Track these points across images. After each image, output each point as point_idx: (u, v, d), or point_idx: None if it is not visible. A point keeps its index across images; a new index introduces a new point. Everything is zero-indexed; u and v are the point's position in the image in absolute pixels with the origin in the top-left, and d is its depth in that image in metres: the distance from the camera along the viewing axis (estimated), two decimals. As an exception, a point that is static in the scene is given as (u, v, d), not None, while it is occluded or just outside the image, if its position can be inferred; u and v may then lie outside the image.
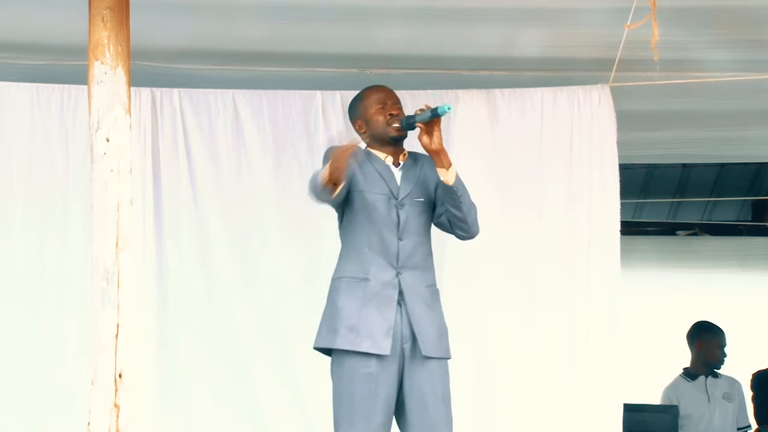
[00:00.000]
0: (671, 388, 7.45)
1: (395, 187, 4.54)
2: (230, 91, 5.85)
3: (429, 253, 4.60)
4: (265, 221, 5.81)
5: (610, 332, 5.76)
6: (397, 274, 4.49)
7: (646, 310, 9.73)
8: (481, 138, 5.86)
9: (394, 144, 4.59)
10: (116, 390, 3.84)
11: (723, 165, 9.62)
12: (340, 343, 4.45)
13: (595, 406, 5.73)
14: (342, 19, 5.42)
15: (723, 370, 7.51)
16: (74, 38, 4.86)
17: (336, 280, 4.56)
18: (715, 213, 10.60)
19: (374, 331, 4.43)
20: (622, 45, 5.42)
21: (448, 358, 4.55)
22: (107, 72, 3.95)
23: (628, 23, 4.95)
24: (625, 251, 5.92)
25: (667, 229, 10.72)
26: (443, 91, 5.84)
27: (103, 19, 3.96)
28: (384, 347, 4.42)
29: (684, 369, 7.51)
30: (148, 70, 5.57)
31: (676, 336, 8.05)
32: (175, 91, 5.82)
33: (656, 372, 8.04)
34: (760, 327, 9.70)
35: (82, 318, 5.11)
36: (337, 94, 5.85)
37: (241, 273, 5.78)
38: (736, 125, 6.79)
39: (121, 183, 3.92)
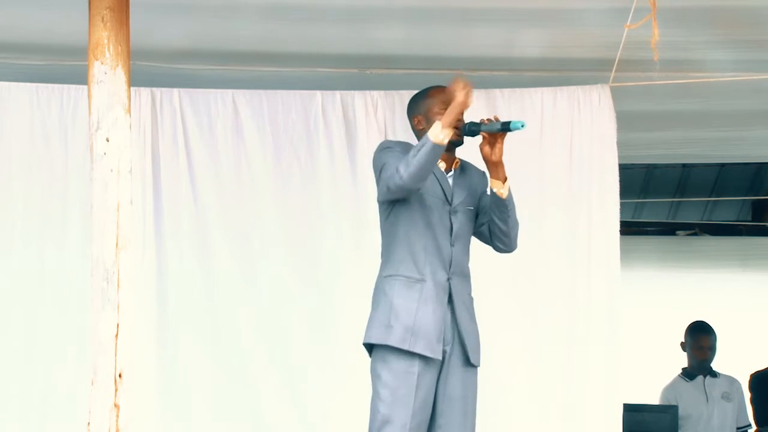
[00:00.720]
0: (670, 388, 7.46)
1: (449, 192, 4.54)
2: (230, 91, 5.85)
3: (468, 262, 4.63)
4: (265, 221, 5.81)
5: (609, 332, 5.76)
6: (449, 279, 4.51)
7: (646, 311, 9.73)
8: (480, 137, 5.85)
9: (449, 149, 4.53)
10: (116, 390, 3.84)
11: (723, 165, 9.62)
12: (396, 341, 4.43)
13: (595, 405, 5.73)
14: (342, 20, 5.42)
15: (722, 370, 7.51)
16: (74, 38, 4.86)
17: (389, 278, 4.52)
18: (715, 213, 10.60)
19: (430, 333, 4.44)
20: (622, 45, 5.42)
21: (478, 366, 4.61)
22: (107, 72, 3.95)
23: (628, 23, 4.95)
24: (625, 251, 5.92)
25: (667, 229, 10.72)
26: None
27: (103, 19, 3.96)
28: (437, 351, 4.45)
29: (683, 369, 7.51)
30: (148, 70, 5.57)
31: (676, 336, 8.05)
32: (175, 91, 5.82)
33: (656, 372, 8.04)
34: (760, 327, 9.70)
35: (82, 318, 5.11)
36: (337, 94, 5.85)
37: (241, 273, 5.77)
38: (736, 125, 6.79)
39: (121, 183, 3.91)
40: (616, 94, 5.84)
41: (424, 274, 4.48)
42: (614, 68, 5.68)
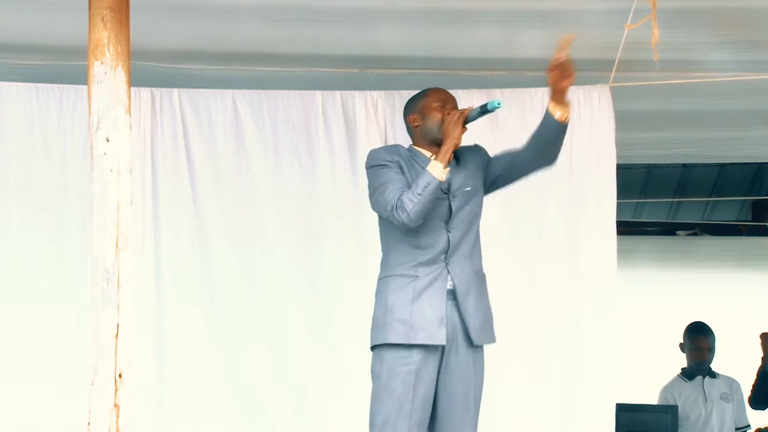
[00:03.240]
0: (669, 389, 7.46)
1: (444, 183, 4.54)
2: (230, 91, 5.85)
3: (477, 239, 4.63)
4: (265, 221, 5.81)
5: (605, 332, 5.76)
6: (447, 264, 4.51)
7: (646, 311, 9.73)
8: (480, 138, 5.84)
9: (441, 144, 4.57)
10: (116, 390, 3.84)
11: (723, 165, 9.62)
12: (394, 337, 4.44)
13: (588, 405, 5.73)
14: (342, 20, 5.42)
15: (722, 370, 7.51)
16: (74, 38, 4.86)
17: (383, 279, 4.56)
18: (715, 213, 10.60)
19: (428, 322, 4.45)
20: (622, 45, 5.42)
21: (493, 342, 4.60)
22: (107, 72, 3.95)
23: (628, 23, 4.95)
24: (625, 251, 5.92)
25: (667, 229, 10.72)
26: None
27: (103, 19, 3.96)
28: (439, 337, 4.44)
29: (682, 369, 7.51)
30: (148, 70, 5.57)
31: (675, 336, 8.05)
32: (175, 91, 5.82)
33: (656, 372, 8.04)
34: (760, 327, 9.69)
35: (82, 318, 5.11)
36: (337, 94, 5.85)
37: (241, 273, 5.77)
38: (736, 125, 6.79)
39: (121, 183, 3.91)
40: (616, 94, 5.84)
41: (417, 271, 4.49)
42: (614, 68, 5.68)
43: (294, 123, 5.84)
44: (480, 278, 4.62)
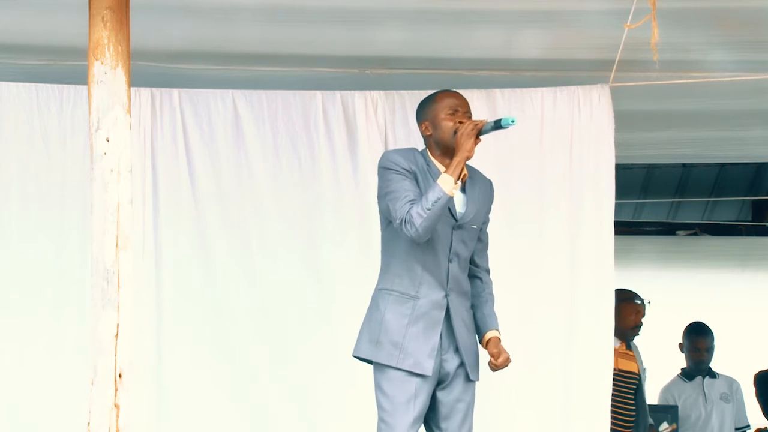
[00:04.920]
0: (668, 389, 7.46)
1: (455, 209, 4.49)
2: (230, 92, 5.85)
3: (467, 277, 4.61)
4: (265, 221, 5.81)
5: (603, 331, 5.76)
6: (446, 295, 4.49)
7: (646, 311, 9.73)
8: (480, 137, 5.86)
9: (453, 155, 4.47)
10: (116, 390, 3.84)
11: (723, 165, 9.63)
12: (384, 358, 4.43)
13: (584, 405, 5.73)
14: (342, 20, 5.42)
15: (722, 370, 7.51)
16: (74, 38, 4.86)
17: (383, 291, 4.51)
18: (715, 213, 10.60)
19: (419, 351, 4.43)
20: (621, 45, 5.42)
21: (478, 380, 4.62)
22: (107, 72, 3.95)
23: (628, 23, 4.95)
24: (624, 251, 5.93)
25: (667, 229, 10.73)
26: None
27: (103, 19, 3.96)
28: (426, 368, 4.42)
29: (682, 369, 7.52)
30: (148, 70, 5.57)
31: (675, 336, 8.05)
32: (175, 91, 5.82)
33: (656, 372, 8.04)
34: (760, 327, 9.71)
35: (82, 318, 5.11)
36: (337, 94, 5.85)
37: (241, 273, 5.77)
38: (736, 125, 6.79)
39: (121, 183, 3.91)
40: (616, 94, 5.84)
41: (418, 292, 4.45)
42: (614, 68, 5.68)
43: (294, 123, 5.84)
44: (470, 315, 4.61)
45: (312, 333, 5.72)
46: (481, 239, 4.65)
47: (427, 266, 4.46)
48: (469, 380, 4.53)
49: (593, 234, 5.81)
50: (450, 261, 4.49)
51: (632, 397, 6.53)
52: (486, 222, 4.67)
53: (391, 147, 5.68)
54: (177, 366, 5.69)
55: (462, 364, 4.51)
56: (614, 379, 5.90)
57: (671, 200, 10.33)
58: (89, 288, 3.91)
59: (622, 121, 5.90)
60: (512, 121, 4.39)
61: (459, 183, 4.41)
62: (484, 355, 4.66)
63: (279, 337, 5.72)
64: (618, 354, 6.46)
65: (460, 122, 4.49)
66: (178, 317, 5.71)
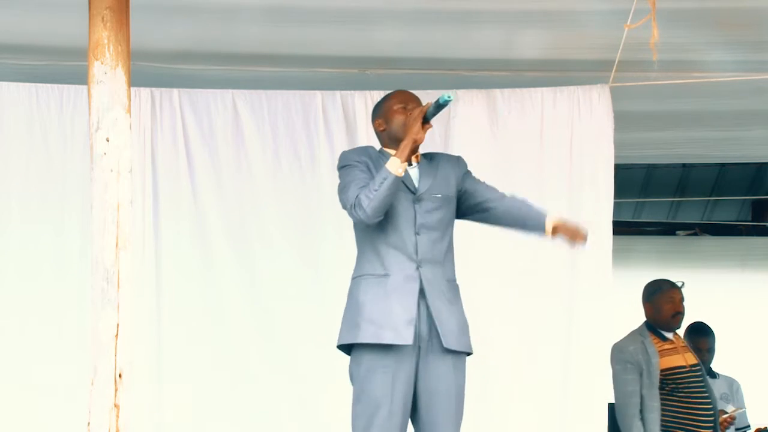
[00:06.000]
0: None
1: (412, 184, 4.52)
2: (230, 92, 5.85)
3: (449, 249, 4.59)
4: (265, 221, 5.81)
5: (600, 330, 5.77)
6: (418, 267, 4.48)
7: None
8: (481, 138, 5.87)
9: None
10: (116, 390, 3.84)
11: (723, 165, 9.62)
12: (363, 337, 4.42)
13: (582, 404, 5.74)
14: (342, 21, 5.42)
15: (722, 370, 7.50)
16: (74, 38, 4.86)
17: (356, 279, 4.54)
18: (715, 213, 10.60)
19: (396, 322, 4.41)
20: (621, 45, 5.42)
21: (470, 353, 4.55)
22: (107, 72, 3.95)
23: (628, 23, 4.95)
24: (624, 251, 5.93)
25: (667, 229, 10.72)
26: (443, 91, 5.83)
27: (103, 19, 3.96)
28: (406, 337, 4.40)
29: (682, 369, 7.50)
30: (148, 70, 5.57)
31: (675, 336, 8.03)
32: (175, 91, 5.82)
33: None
34: (759, 327, 9.70)
35: (82, 318, 5.12)
36: (337, 94, 5.86)
37: (241, 272, 5.78)
38: (736, 125, 6.79)
39: (121, 183, 3.91)
40: (616, 95, 5.85)
41: (388, 269, 4.46)
42: (614, 68, 5.69)
43: (294, 123, 5.84)
44: (452, 287, 4.57)
45: (312, 332, 5.72)
46: (478, 182, 4.68)
47: (392, 243, 4.48)
48: (446, 351, 4.47)
49: (592, 234, 5.80)
50: (417, 233, 4.50)
51: (703, 388, 6.44)
52: (473, 179, 4.67)
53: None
54: (177, 366, 5.70)
55: (437, 336, 4.46)
56: (683, 376, 5.88)
57: (671, 200, 10.33)
58: (89, 288, 3.91)
59: (622, 121, 5.91)
60: (449, 97, 4.41)
61: (407, 164, 4.45)
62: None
63: (279, 336, 5.73)
64: (681, 349, 6.42)
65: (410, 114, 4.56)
66: (178, 317, 5.72)
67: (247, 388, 5.72)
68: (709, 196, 10.19)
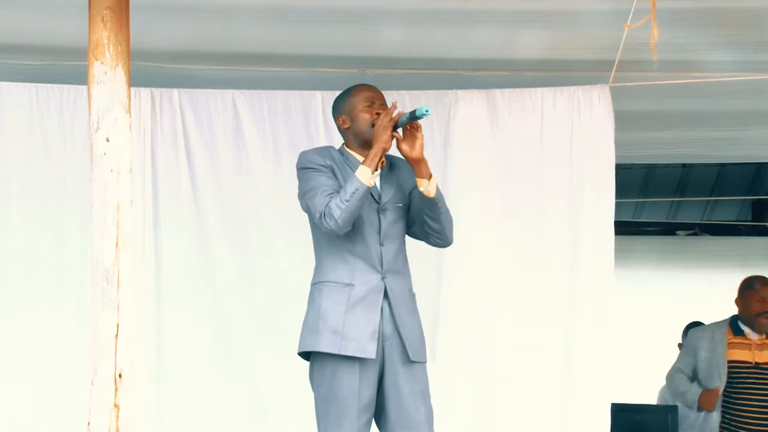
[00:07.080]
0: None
1: (376, 191, 4.48)
2: (230, 92, 5.85)
3: (406, 258, 4.57)
4: (265, 221, 5.81)
5: (602, 330, 5.76)
6: (383, 278, 4.45)
7: (646, 311, 9.73)
8: (481, 138, 5.86)
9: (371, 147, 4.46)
10: (116, 390, 3.84)
11: (723, 165, 9.63)
12: (325, 346, 4.38)
13: (583, 404, 5.73)
14: (342, 20, 5.42)
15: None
16: (74, 38, 4.86)
17: (318, 285, 4.49)
18: (715, 213, 10.61)
19: (360, 334, 4.38)
20: (621, 46, 5.42)
21: (425, 362, 4.52)
22: (107, 72, 3.95)
23: (628, 23, 4.95)
24: (624, 251, 5.93)
25: (667, 229, 10.73)
26: (443, 91, 5.84)
27: (103, 19, 3.96)
28: (369, 351, 4.37)
29: (681, 370, 7.50)
30: (147, 70, 5.57)
31: (675, 336, 8.06)
32: (175, 91, 5.82)
33: (656, 372, 8.04)
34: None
35: (82, 318, 5.12)
36: (337, 94, 5.85)
37: (241, 273, 5.78)
38: (736, 125, 6.79)
39: (121, 183, 3.91)
40: (616, 95, 5.85)
41: (353, 279, 4.42)
42: (614, 69, 5.69)
43: (294, 123, 5.84)
44: (412, 297, 4.55)
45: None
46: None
47: (357, 253, 4.43)
48: (410, 362, 4.44)
49: (593, 234, 5.81)
50: (382, 244, 4.46)
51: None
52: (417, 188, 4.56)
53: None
54: (177, 366, 5.70)
55: (402, 346, 4.43)
56: (746, 371, 5.87)
57: (671, 200, 10.34)
58: (89, 288, 3.91)
59: (622, 121, 5.91)
60: (426, 111, 4.33)
61: (377, 173, 4.39)
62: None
63: (279, 336, 5.72)
64: (756, 346, 6.41)
65: (377, 114, 4.49)
66: (178, 317, 5.72)
67: (247, 389, 5.72)
68: (709, 196, 10.20)
